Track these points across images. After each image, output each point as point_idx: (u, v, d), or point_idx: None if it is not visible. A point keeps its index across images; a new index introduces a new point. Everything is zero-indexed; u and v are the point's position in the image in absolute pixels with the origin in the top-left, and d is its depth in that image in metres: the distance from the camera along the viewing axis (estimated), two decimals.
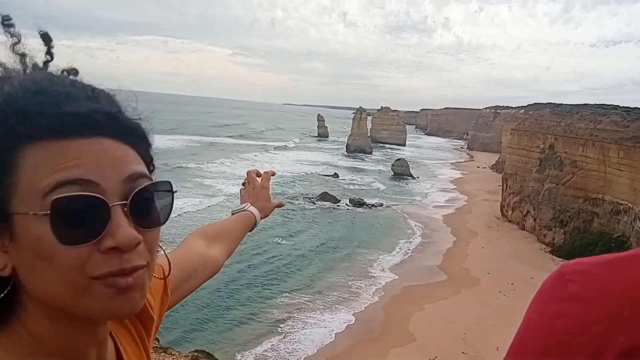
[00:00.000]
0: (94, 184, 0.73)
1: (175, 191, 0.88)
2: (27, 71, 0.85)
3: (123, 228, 0.74)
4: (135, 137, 0.82)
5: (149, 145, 0.86)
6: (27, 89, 0.76)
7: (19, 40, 0.84)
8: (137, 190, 0.78)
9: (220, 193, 65.96)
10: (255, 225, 1.86)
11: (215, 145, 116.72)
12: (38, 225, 0.72)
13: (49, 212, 0.71)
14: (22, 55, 0.85)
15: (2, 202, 0.74)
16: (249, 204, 1.87)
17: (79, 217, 0.72)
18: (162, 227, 0.85)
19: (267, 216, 1.95)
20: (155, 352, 16.69)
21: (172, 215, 0.87)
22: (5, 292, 0.78)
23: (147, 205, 0.80)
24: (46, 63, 0.87)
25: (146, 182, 0.80)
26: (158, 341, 18.30)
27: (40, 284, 0.76)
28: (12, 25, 0.84)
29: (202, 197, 62.73)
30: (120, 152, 0.78)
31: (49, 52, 0.87)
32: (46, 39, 0.87)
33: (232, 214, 1.84)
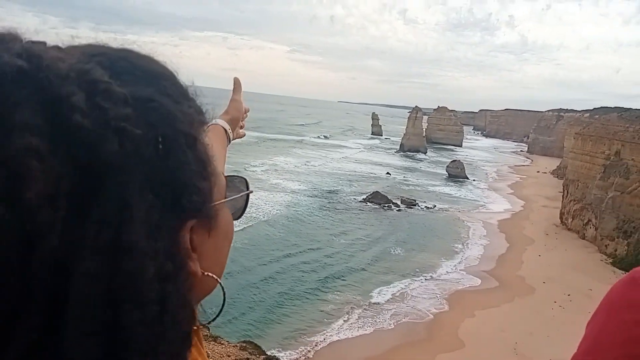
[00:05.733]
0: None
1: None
2: None
3: None
4: None
5: None
6: (178, 78, 0.75)
7: None
8: None
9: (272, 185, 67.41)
10: (228, 138, 1.70)
11: (267, 140, 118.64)
12: (225, 209, 0.82)
13: (229, 195, 0.84)
14: None
15: (210, 193, 0.72)
16: (216, 118, 1.71)
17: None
18: None
19: (240, 136, 1.81)
20: (205, 340, 17.26)
21: None
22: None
23: None
24: None
25: None
26: (208, 329, 18.91)
27: (221, 265, 0.84)
28: None
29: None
30: None
31: None
32: None
33: None
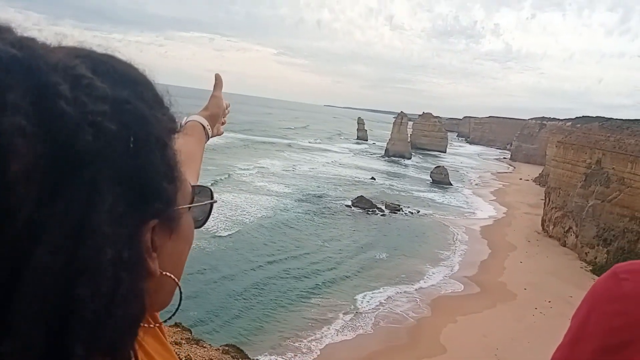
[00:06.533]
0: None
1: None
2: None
3: None
4: None
5: None
6: (151, 83, 0.78)
7: None
8: None
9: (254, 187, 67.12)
10: (207, 135, 1.70)
11: (251, 143, 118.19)
12: (188, 215, 0.84)
13: (194, 202, 0.85)
14: None
15: (174, 196, 0.76)
16: (195, 114, 1.71)
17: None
18: None
19: (219, 133, 1.82)
20: (187, 343, 17.06)
21: None
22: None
23: None
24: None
25: None
26: (191, 332, 18.69)
27: (180, 268, 0.86)
28: None
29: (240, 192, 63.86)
30: None
31: None
32: None
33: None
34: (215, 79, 1.78)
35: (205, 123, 1.67)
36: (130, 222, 0.67)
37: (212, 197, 0.96)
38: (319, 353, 29.68)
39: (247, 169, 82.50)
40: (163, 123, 0.74)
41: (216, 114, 1.72)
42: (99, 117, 0.62)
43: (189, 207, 0.83)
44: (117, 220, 0.63)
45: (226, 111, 1.79)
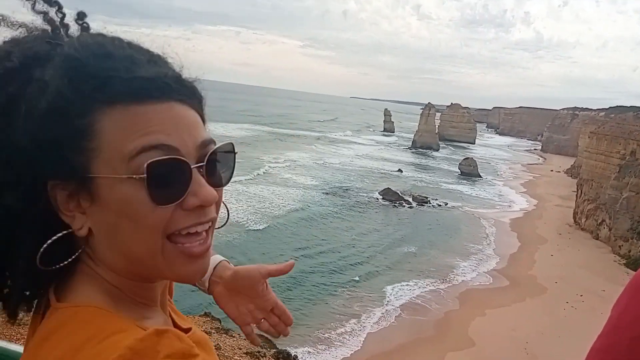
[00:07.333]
0: (174, 149, 0.79)
1: (236, 152, 0.95)
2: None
3: (204, 187, 0.82)
4: (196, 99, 0.88)
5: (204, 104, 0.91)
6: (95, 54, 0.80)
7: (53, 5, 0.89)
8: (209, 153, 0.85)
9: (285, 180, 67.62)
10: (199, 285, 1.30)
11: (279, 136, 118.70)
12: (127, 187, 0.78)
13: (144, 175, 0.77)
14: (64, 25, 0.90)
15: (84, 165, 0.78)
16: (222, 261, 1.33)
17: (167, 179, 0.79)
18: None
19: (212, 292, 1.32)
20: (217, 332, 17.37)
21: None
22: (77, 254, 0.86)
23: (216, 167, 0.88)
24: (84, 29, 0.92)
25: (214, 146, 0.87)
26: (220, 322, 19.02)
27: (121, 245, 0.82)
28: None
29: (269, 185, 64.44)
30: (192, 119, 0.84)
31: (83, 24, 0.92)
32: (81, 15, 0.91)
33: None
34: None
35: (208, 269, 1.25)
36: (25, 179, 0.79)
37: (150, 174, 0.78)
38: (347, 345, 29.86)
39: (277, 163, 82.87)
40: (77, 101, 0.77)
41: (237, 284, 1.30)
42: (51, 69, 0.79)
43: (130, 177, 0.77)
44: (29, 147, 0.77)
45: (262, 294, 1.30)
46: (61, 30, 0.89)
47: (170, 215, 0.80)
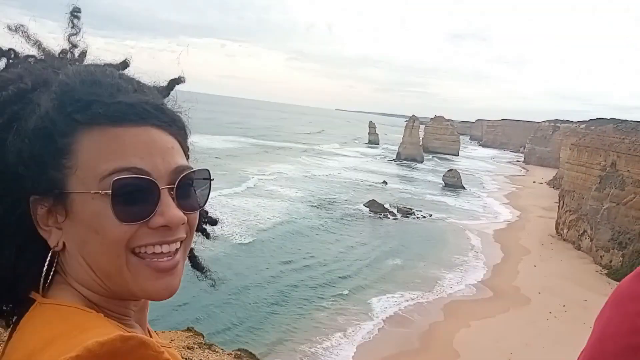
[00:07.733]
0: (146, 172, 0.84)
1: (212, 179, 0.99)
2: (71, 61, 0.99)
3: (172, 208, 0.86)
4: (177, 127, 0.93)
5: (187, 134, 0.98)
6: (83, 80, 0.86)
7: (77, 33, 0.99)
8: (181, 176, 0.88)
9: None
10: None
11: (264, 148, 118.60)
12: (97, 203, 0.83)
13: (110, 191, 0.81)
14: (74, 46, 1.00)
15: (61, 181, 0.84)
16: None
17: (135, 198, 0.83)
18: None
19: None
20: (200, 347, 17.21)
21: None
22: (54, 266, 0.90)
23: (189, 191, 0.91)
24: (82, 55, 1.02)
25: (188, 171, 0.90)
26: (203, 337, 18.84)
27: (90, 258, 0.86)
28: (78, 17, 0.99)
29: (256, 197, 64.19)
30: (168, 145, 0.89)
31: (73, 44, 1.01)
32: (75, 26, 1.00)
33: None
34: None
35: None
36: (11, 192, 0.86)
37: (122, 198, 0.84)
38: (332, 358, 29.70)
39: (263, 175, 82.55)
40: (60, 122, 0.83)
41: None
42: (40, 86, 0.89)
43: (97, 193, 0.82)
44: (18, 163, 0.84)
45: None
46: (68, 53, 1.00)
47: (135, 231, 0.84)
